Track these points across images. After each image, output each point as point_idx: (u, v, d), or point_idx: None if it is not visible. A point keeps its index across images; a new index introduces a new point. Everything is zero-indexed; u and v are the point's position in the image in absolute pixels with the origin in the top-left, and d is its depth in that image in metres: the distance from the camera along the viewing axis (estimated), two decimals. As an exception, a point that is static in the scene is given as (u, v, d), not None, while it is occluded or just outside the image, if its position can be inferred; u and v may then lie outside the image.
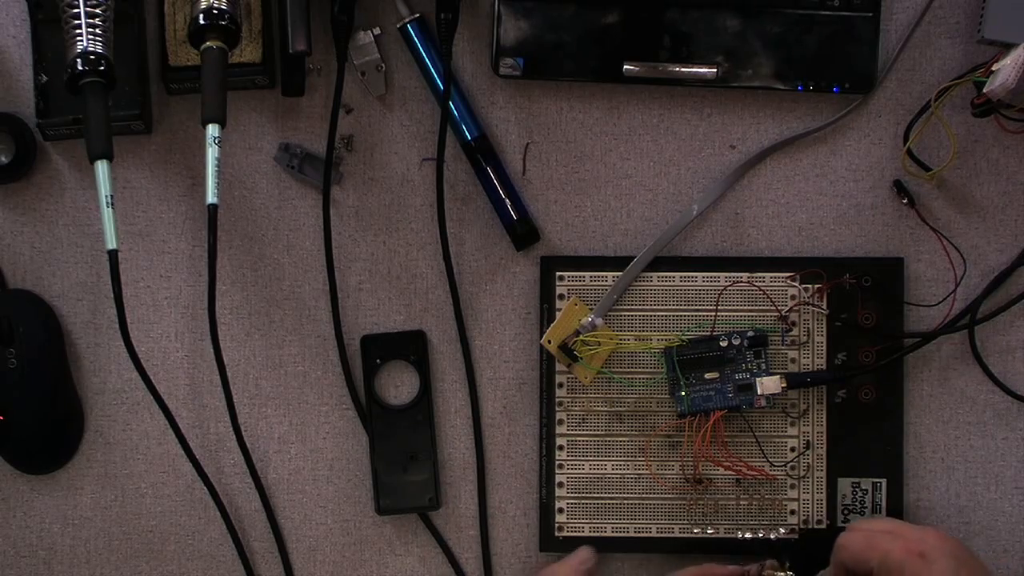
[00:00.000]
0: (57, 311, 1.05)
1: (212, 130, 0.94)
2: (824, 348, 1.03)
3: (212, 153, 0.94)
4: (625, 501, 1.04)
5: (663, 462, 1.04)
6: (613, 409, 1.04)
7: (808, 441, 1.03)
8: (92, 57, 0.93)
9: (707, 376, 1.02)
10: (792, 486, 1.03)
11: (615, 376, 1.04)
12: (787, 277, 1.03)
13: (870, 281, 1.03)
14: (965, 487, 1.05)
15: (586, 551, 1.01)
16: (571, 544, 1.04)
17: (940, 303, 1.03)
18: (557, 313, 1.04)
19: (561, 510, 1.04)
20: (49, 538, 1.06)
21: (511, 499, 1.06)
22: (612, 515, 1.04)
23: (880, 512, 1.03)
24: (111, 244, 0.93)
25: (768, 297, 1.03)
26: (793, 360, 1.03)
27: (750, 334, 1.02)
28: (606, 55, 1.03)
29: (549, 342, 1.03)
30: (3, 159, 1.04)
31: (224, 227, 1.05)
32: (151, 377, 1.00)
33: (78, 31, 0.94)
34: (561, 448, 1.04)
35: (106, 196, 0.93)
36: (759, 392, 1.02)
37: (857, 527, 0.94)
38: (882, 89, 1.04)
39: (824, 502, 1.03)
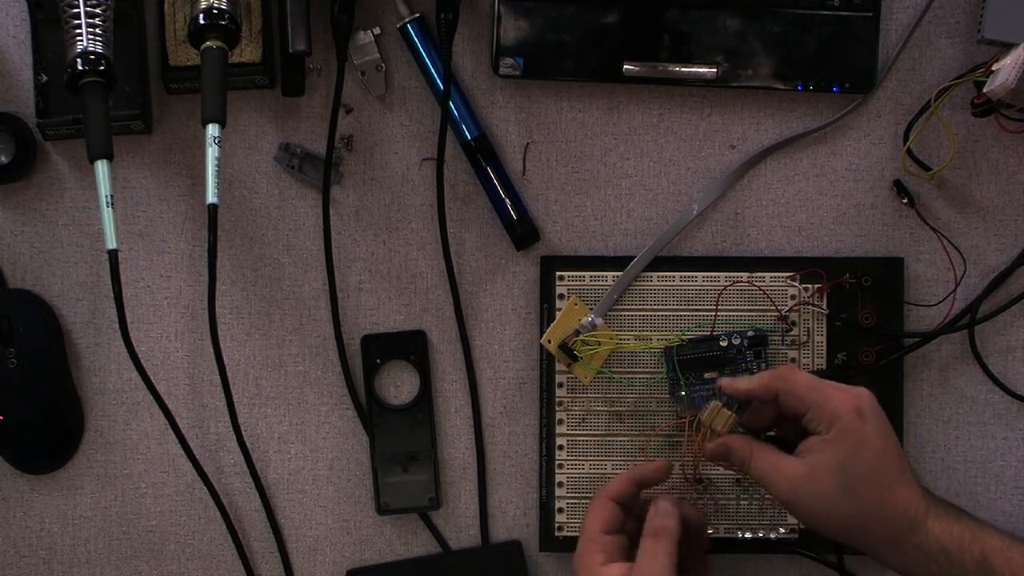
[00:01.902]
0: (57, 311, 1.05)
1: (212, 130, 0.94)
2: (824, 348, 1.03)
3: (212, 153, 0.94)
4: (625, 501, 1.04)
5: (663, 462, 1.04)
6: (613, 409, 1.04)
7: (808, 441, 1.03)
8: (92, 57, 0.93)
9: (707, 376, 1.02)
10: (792, 486, 1.03)
11: (615, 376, 1.04)
12: (787, 277, 1.03)
13: (870, 281, 1.03)
14: (965, 487, 1.05)
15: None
16: (571, 544, 1.04)
17: (940, 303, 1.03)
18: (557, 313, 1.04)
19: (561, 510, 1.04)
20: (49, 538, 1.06)
21: (511, 499, 1.06)
22: (612, 515, 1.04)
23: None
24: (111, 244, 0.93)
25: (768, 297, 1.03)
26: (793, 360, 1.03)
27: (750, 334, 1.02)
28: (606, 55, 1.03)
29: (549, 342, 1.03)
30: (3, 159, 1.04)
31: (224, 227, 1.05)
32: (151, 377, 1.00)
33: (78, 31, 0.94)
34: (561, 448, 1.04)
35: (106, 196, 0.93)
36: (759, 392, 1.02)
37: (798, 371, 0.94)
38: (882, 89, 1.04)
39: (824, 502, 1.03)
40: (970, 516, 0.91)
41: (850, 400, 0.91)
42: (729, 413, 0.95)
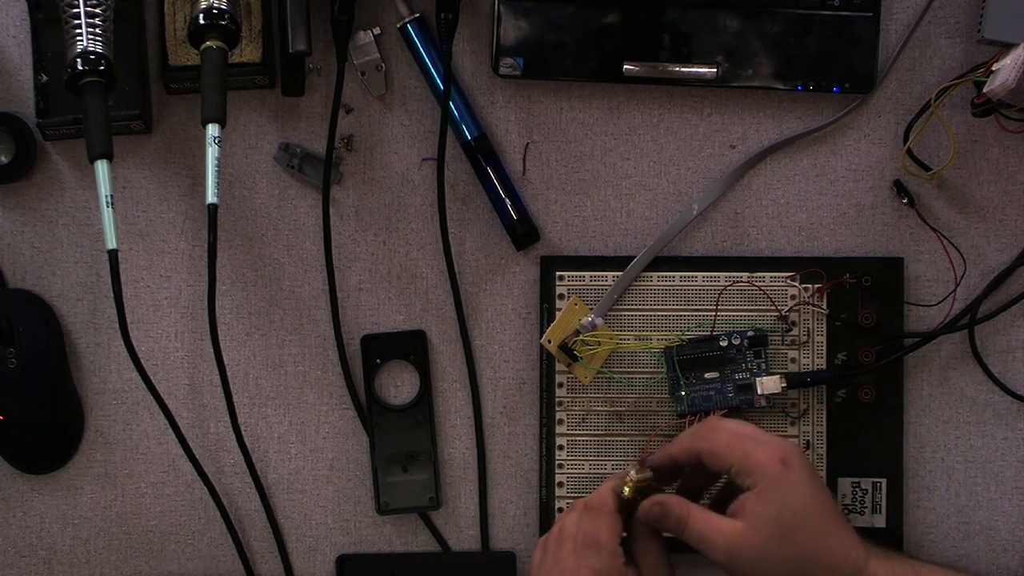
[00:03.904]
0: (57, 311, 1.05)
1: (212, 130, 0.94)
2: (824, 348, 1.03)
3: (212, 153, 0.94)
4: (625, 501, 1.04)
5: (663, 462, 1.04)
6: (613, 409, 1.04)
7: (808, 441, 1.03)
8: (92, 57, 0.93)
9: (707, 376, 1.02)
10: (792, 486, 1.03)
11: (615, 376, 1.04)
12: (787, 277, 1.03)
13: (870, 281, 1.03)
14: (965, 487, 1.05)
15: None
16: (571, 544, 1.04)
17: (940, 303, 1.03)
18: (557, 313, 1.04)
19: (561, 510, 1.04)
20: (49, 538, 1.06)
21: (511, 499, 1.06)
22: (612, 515, 1.04)
23: (880, 512, 1.03)
24: (111, 244, 0.93)
25: (768, 297, 1.03)
26: (793, 360, 1.03)
27: (750, 334, 1.02)
28: (606, 55, 1.03)
29: (549, 342, 1.03)
30: (3, 159, 1.04)
31: (224, 227, 1.05)
32: (151, 377, 1.00)
33: (78, 31, 0.94)
34: (561, 448, 1.04)
35: (106, 196, 0.93)
36: (759, 392, 1.02)
37: (720, 426, 0.93)
38: (882, 89, 1.04)
39: (824, 502, 1.03)
40: (912, 558, 0.92)
41: (773, 452, 0.90)
42: (641, 476, 0.93)
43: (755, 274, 1.03)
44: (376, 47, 1.04)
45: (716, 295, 1.03)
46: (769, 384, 1.02)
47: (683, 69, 1.03)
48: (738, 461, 0.90)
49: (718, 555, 0.90)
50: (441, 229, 1.04)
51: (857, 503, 1.03)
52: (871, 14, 1.02)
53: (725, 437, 0.92)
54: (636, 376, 1.04)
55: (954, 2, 1.04)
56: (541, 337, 1.04)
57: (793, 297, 1.03)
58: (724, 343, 1.02)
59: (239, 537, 1.05)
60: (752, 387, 1.02)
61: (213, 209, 0.94)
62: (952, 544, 1.04)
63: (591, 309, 1.03)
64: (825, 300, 1.03)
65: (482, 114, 1.05)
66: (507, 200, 1.04)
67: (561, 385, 1.04)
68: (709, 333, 1.03)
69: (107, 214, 0.93)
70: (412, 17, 1.04)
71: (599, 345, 1.03)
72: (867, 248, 1.05)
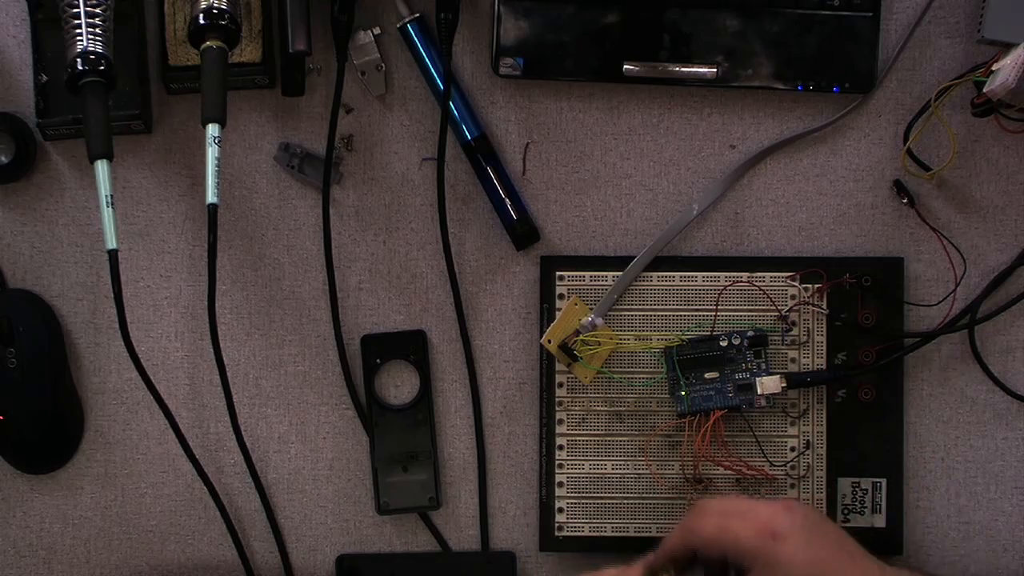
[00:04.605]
0: (57, 311, 1.05)
1: (212, 130, 0.94)
2: (824, 348, 1.03)
3: (212, 153, 0.94)
4: (625, 501, 1.04)
5: (663, 462, 1.04)
6: (613, 409, 1.04)
7: (808, 441, 1.03)
8: (92, 57, 0.93)
9: (707, 376, 1.02)
10: (792, 486, 1.03)
11: (615, 376, 1.04)
12: (787, 277, 1.03)
13: (870, 281, 1.03)
14: (965, 487, 1.05)
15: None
16: (571, 544, 1.04)
17: (940, 303, 1.03)
18: (557, 313, 1.04)
19: (561, 510, 1.04)
20: (49, 538, 1.06)
21: (511, 499, 1.06)
22: (612, 515, 1.04)
23: (880, 512, 1.03)
24: (111, 244, 0.93)
25: (768, 297, 1.03)
26: (793, 360, 1.03)
27: (750, 334, 1.02)
28: (606, 55, 1.03)
29: (549, 342, 1.03)
30: (3, 159, 1.04)
31: (224, 227, 1.05)
32: (151, 377, 1.00)
33: (78, 31, 0.94)
34: (561, 448, 1.04)
35: (106, 196, 0.93)
36: (759, 392, 1.02)
37: (707, 510, 0.92)
38: (882, 89, 1.04)
39: (824, 502, 1.03)
40: None
41: (761, 527, 0.88)
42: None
43: (755, 274, 1.03)
44: (376, 47, 1.04)
45: (716, 295, 1.03)
46: (769, 384, 1.02)
47: (683, 69, 1.03)
48: (730, 548, 0.89)
49: None
50: (441, 229, 1.04)
51: (857, 503, 1.03)
52: (871, 14, 1.02)
53: (712, 523, 0.90)
54: (636, 376, 1.04)
55: (954, 2, 1.04)
56: (541, 337, 1.04)
57: (793, 297, 1.03)
58: (724, 343, 1.02)
59: (239, 537, 1.05)
60: (752, 387, 1.02)
61: (213, 209, 0.94)
62: (952, 544, 1.04)
63: (591, 309, 1.03)
64: (825, 300, 1.03)
65: (482, 114, 1.05)
66: (507, 200, 1.04)
67: (561, 385, 1.04)
68: (709, 333, 1.03)
69: (107, 214, 0.93)
70: (412, 17, 1.04)
71: (599, 345, 1.03)
72: (867, 248, 1.05)
